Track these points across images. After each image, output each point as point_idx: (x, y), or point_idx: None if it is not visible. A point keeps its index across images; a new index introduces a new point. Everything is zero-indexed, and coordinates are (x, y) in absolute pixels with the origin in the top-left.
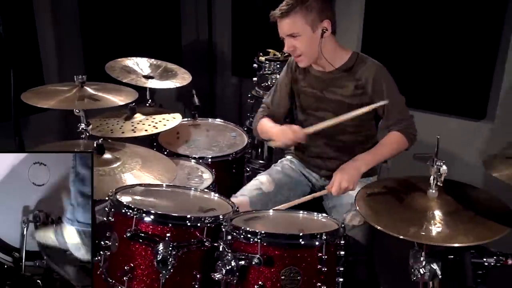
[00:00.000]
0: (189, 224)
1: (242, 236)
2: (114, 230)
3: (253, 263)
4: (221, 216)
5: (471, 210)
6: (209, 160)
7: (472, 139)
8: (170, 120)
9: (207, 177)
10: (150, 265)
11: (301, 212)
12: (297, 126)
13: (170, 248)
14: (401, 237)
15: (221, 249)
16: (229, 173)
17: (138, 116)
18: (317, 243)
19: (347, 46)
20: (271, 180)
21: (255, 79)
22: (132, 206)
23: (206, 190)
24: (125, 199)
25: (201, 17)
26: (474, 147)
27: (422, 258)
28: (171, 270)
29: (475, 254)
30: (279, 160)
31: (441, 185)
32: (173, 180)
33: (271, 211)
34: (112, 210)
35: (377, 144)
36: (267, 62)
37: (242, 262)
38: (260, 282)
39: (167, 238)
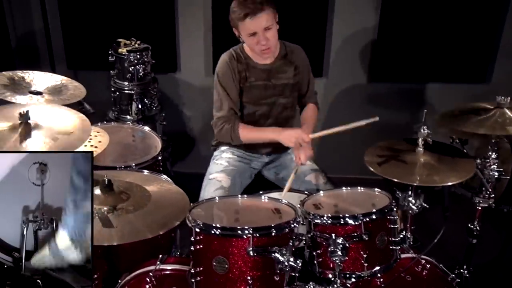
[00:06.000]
0: (291, 226)
1: (332, 221)
2: (218, 254)
3: (365, 239)
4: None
5: (448, 156)
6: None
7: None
8: (98, 136)
9: None
10: (269, 273)
11: (344, 188)
12: (300, 130)
13: (288, 252)
14: (415, 184)
15: (333, 237)
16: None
17: None
18: (394, 209)
19: None
20: (225, 175)
21: (112, 72)
22: (243, 227)
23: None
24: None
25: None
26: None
27: (411, 198)
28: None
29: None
30: (215, 155)
31: (430, 144)
32: None
33: (321, 192)
34: (199, 237)
35: (304, 116)
36: (127, 53)
37: (344, 242)
38: (361, 252)
39: (290, 244)
